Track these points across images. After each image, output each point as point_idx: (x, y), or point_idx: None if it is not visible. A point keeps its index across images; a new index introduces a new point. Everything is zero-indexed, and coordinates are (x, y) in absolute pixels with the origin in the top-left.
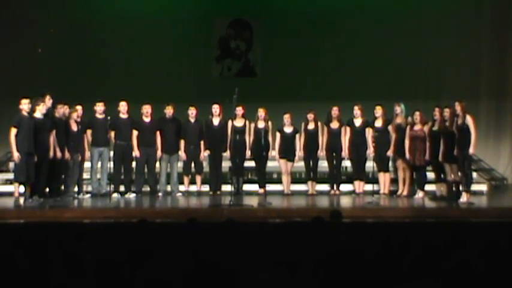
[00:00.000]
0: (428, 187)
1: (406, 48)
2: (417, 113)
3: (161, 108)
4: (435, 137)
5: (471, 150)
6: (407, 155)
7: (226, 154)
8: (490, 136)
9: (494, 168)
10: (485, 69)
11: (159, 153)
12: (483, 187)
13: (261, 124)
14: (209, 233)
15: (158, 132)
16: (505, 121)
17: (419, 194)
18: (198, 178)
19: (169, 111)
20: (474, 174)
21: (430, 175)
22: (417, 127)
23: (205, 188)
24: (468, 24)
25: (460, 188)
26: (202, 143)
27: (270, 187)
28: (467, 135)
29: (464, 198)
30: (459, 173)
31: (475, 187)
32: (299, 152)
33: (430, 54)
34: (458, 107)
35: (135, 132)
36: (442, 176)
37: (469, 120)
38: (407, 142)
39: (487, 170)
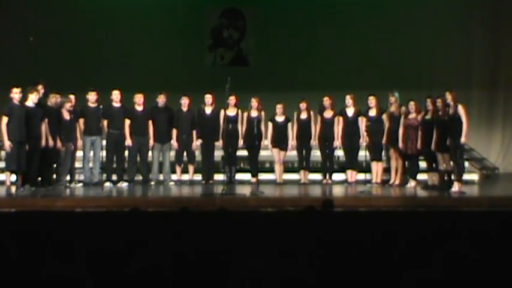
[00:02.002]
0: (420, 176)
1: (398, 38)
2: (412, 103)
3: (154, 97)
4: (428, 126)
5: (463, 140)
6: (400, 144)
7: (219, 143)
8: (481, 126)
9: (485, 158)
10: (477, 59)
11: (151, 142)
12: (475, 176)
13: (253, 113)
14: (201, 222)
15: (150, 121)
16: (497, 111)
17: (412, 183)
18: (191, 167)
19: (161, 100)
20: (466, 164)
21: (422, 164)
22: (411, 116)
23: (198, 177)
24: (460, 14)
25: (452, 177)
26: (194, 132)
27: (263, 176)
28: (459, 124)
29: (455, 187)
30: (451, 163)
31: (466, 176)
32: (292, 142)
33: (422, 44)
34: (449, 97)
35: (127, 121)
36: (434, 165)
37: (460, 109)
38: (401, 131)
39: (479, 160)
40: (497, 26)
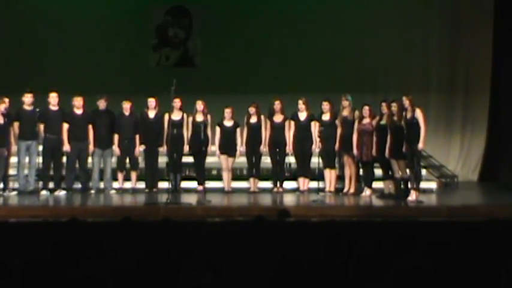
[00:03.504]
0: (376, 184)
1: (353, 39)
2: (366, 108)
3: (94, 100)
4: (382, 131)
5: (420, 146)
6: (354, 151)
7: (163, 149)
8: (440, 131)
9: (444, 165)
10: (436, 61)
11: (91, 147)
12: (433, 185)
13: (199, 117)
14: (144, 232)
15: (90, 126)
16: (456, 115)
17: (367, 192)
18: (133, 174)
19: (102, 103)
20: (423, 171)
21: (378, 172)
22: (366, 121)
23: (141, 185)
24: (418, 14)
25: (409, 185)
26: (137, 137)
27: (210, 184)
28: (416, 129)
29: (413, 196)
30: (407, 170)
31: (424, 185)
32: (240, 147)
33: (378, 46)
34: (406, 101)
35: (65, 125)
36: (389, 172)
37: (418, 114)
38: (354, 137)
39: (437, 167)
40: (457, 27)
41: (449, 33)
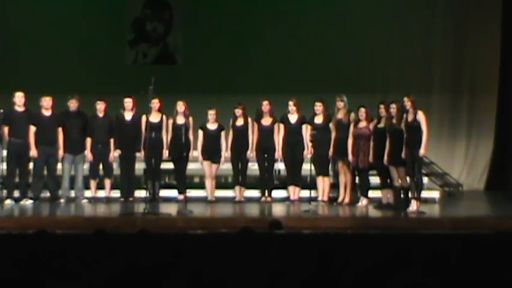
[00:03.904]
0: (373, 194)
1: (349, 36)
2: (362, 110)
3: (64, 101)
4: (380, 135)
5: (421, 152)
6: (349, 157)
7: (140, 154)
8: (443, 136)
9: (447, 173)
10: (439, 60)
11: (61, 152)
12: (435, 194)
13: (180, 120)
14: (120, 246)
15: (60, 129)
16: (460, 118)
17: (363, 202)
18: (107, 182)
19: (73, 104)
20: (425, 179)
21: (375, 180)
22: (362, 124)
23: (116, 193)
24: (420, 9)
25: (409, 195)
26: (112, 141)
27: (191, 193)
28: (417, 133)
29: (413, 206)
30: (407, 178)
31: (425, 194)
32: (225, 153)
33: (376, 43)
34: (408, 103)
35: (32, 128)
36: (388, 181)
37: (420, 116)
38: (350, 141)
39: (440, 175)
40: (462, 23)
41: (453, 29)
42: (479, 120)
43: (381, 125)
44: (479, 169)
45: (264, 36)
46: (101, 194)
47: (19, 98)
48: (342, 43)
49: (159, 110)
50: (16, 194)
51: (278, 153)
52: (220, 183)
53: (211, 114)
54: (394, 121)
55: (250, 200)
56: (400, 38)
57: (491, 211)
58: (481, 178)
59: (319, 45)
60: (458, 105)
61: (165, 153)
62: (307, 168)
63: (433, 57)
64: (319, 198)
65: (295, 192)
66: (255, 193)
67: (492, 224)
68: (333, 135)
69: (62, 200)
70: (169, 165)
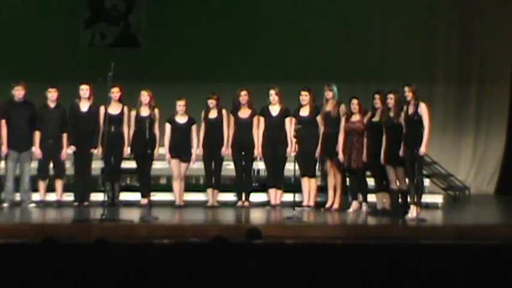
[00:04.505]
0: (367, 198)
1: (340, 17)
2: (355, 101)
3: (8, 89)
4: (375, 131)
5: (422, 150)
6: (340, 155)
7: (98, 151)
8: (447, 131)
9: (452, 174)
10: (443, 43)
11: (3, 149)
12: (438, 199)
13: (144, 111)
14: (73, 257)
15: (4, 121)
16: (468, 111)
17: (355, 207)
18: (59, 183)
19: (18, 92)
20: (426, 182)
21: (369, 182)
22: (355, 118)
23: (69, 197)
24: None
25: (408, 199)
26: (64, 136)
27: (157, 196)
28: (418, 129)
29: (413, 213)
30: (406, 180)
31: (427, 198)
32: (196, 150)
33: (371, 24)
34: (409, 93)
35: None
36: (384, 183)
37: (423, 109)
38: (341, 138)
39: (444, 176)
40: (470, 3)
41: (461, 9)
42: (489, 112)
43: (376, 118)
44: (489, 170)
45: (242, 14)
46: (51, 197)
47: None
48: (333, 26)
49: (120, 100)
50: None
51: (257, 151)
52: (191, 185)
53: (180, 105)
54: (391, 114)
55: (224, 204)
56: (399, 18)
57: (502, 218)
58: (491, 180)
59: (304, 26)
60: (465, 96)
61: (127, 150)
62: (290, 168)
63: (436, 41)
64: (305, 203)
65: (276, 195)
66: (230, 197)
67: (504, 233)
68: (321, 130)
69: (5, 205)
70: (131, 164)
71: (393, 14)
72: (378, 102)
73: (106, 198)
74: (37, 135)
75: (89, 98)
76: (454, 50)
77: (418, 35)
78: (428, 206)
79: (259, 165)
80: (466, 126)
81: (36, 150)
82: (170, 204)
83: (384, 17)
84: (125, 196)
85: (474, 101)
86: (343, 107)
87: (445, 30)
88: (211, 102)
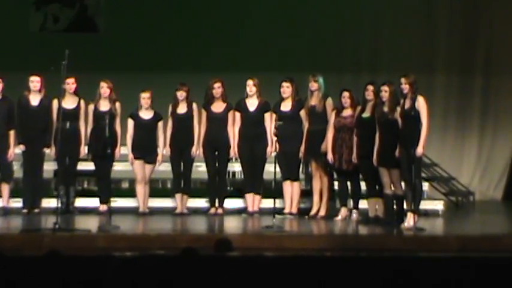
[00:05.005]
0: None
1: (331, 3)
2: (346, 94)
3: None
4: (366, 127)
5: (419, 149)
6: (329, 155)
7: (50, 151)
8: (449, 128)
9: (454, 177)
10: (444, 30)
11: None
12: (438, 205)
13: (104, 106)
14: (22, 272)
15: None
16: (472, 106)
17: (343, 215)
18: (5, 188)
19: None
20: (425, 186)
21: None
22: (346, 112)
23: (17, 203)
24: None
25: (404, 205)
26: (11, 133)
27: (118, 202)
28: (415, 126)
29: (410, 221)
30: (402, 184)
31: (426, 205)
32: (163, 150)
33: (364, 8)
34: (405, 86)
35: None
36: (377, 187)
37: (421, 103)
38: (330, 135)
39: (445, 180)
40: None
41: None
42: (497, 108)
43: (366, 114)
44: (496, 172)
45: None
46: None
47: None
48: (316, 7)
49: (76, 93)
50: None
51: (233, 150)
52: (156, 190)
53: (145, 98)
54: (385, 109)
55: (195, 211)
56: (393, 3)
57: (511, 227)
58: (499, 184)
59: (288, 9)
60: (468, 88)
61: (83, 149)
62: (270, 170)
63: (436, 27)
64: (286, 210)
65: (254, 201)
66: (201, 203)
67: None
68: (305, 127)
69: None
70: (89, 166)
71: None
72: (370, 94)
73: (59, 205)
74: None
75: (39, 91)
76: (455, 37)
77: (416, 19)
78: (427, 214)
79: (235, 167)
80: (470, 123)
81: None
82: (133, 212)
83: (378, 0)
84: (81, 202)
85: (479, 94)
86: (330, 101)
87: (445, 16)
88: (181, 95)
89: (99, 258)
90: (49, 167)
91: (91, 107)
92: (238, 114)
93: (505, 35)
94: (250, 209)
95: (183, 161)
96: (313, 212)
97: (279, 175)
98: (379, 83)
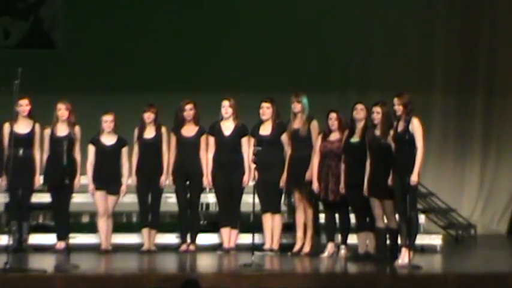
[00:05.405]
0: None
1: (313, 14)
2: (333, 115)
3: None
4: (356, 153)
5: (414, 178)
6: (314, 184)
7: (1, 181)
8: (448, 154)
9: (454, 209)
10: (442, 46)
11: None
12: (436, 240)
13: (62, 130)
14: None
15: None
16: (473, 129)
17: (330, 251)
18: None
19: None
20: (421, 218)
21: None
22: (334, 136)
23: None
24: None
25: (398, 240)
26: None
27: (77, 239)
28: (410, 151)
29: (404, 258)
30: (396, 216)
31: (422, 239)
32: (128, 179)
33: (354, 22)
34: (398, 106)
35: None
36: (367, 219)
37: (415, 126)
38: (315, 161)
39: (443, 212)
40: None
41: (462, 6)
42: (500, 131)
43: (355, 138)
44: (499, 204)
45: (188, 7)
46: None
47: None
48: (301, 20)
49: (30, 116)
50: None
51: (206, 179)
52: (120, 224)
53: (107, 121)
54: (377, 132)
55: (164, 248)
56: (385, 15)
57: None
58: (503, 217)
59: (269, 23)
60: (469, 109)
61: (39, 179)
62: (249, 201)
63: (433, 41)
64: (267, 246)
65: (231, 237)
66: (171, 238)
67: None
68: (287, 153)
69: None
70: (45, 198)
71: (379, 8)
72: (359, 113)
73: (11, 242)
74: None
75: None
76: (455, 55)
77: (410, 32)
78: (423, 250)
79: (209, 198)
80: (470, 148)
81: None
82: (94, 249)
83: (368, 12)
84: (35, 239)
85: (480, 115)
86: (315, 124)
87: (443, 28)
88: (148, 117)
89: None
90: None
91: (47, 131)
92: (212, 139)
93: (508, 51)
94: (226, 245)
95: (150, 192)
96: (296, 248)
97: (258, 207)
98: (370, 103)
